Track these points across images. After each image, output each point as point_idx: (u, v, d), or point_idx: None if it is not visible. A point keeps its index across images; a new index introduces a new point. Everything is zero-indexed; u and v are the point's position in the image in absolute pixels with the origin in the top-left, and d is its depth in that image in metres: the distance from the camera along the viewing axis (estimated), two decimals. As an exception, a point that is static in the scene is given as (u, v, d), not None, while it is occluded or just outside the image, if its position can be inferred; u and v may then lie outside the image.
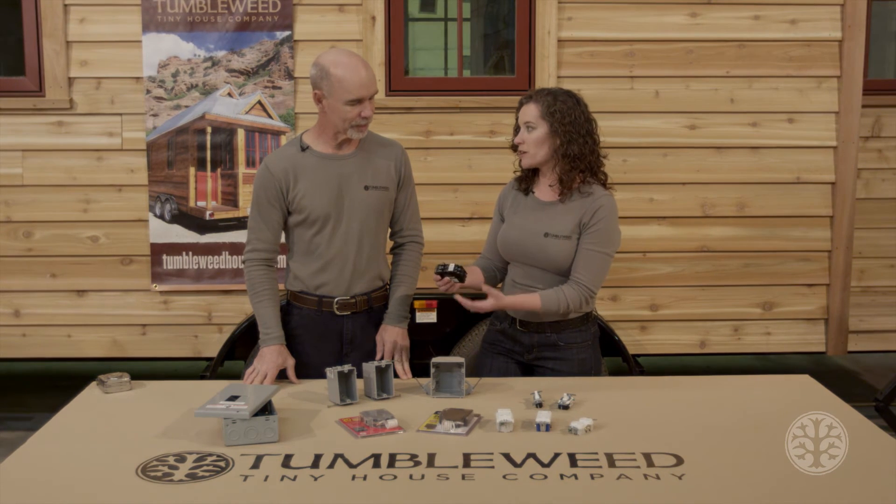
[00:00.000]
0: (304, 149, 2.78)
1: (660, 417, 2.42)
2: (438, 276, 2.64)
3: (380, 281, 2.90)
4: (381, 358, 2.84)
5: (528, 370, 2.87)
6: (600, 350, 2.97)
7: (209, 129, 4.04)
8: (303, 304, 2.84)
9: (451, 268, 2.62)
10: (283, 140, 4.04)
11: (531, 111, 2.73)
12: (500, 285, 2.93)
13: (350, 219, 2.78)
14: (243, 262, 2.87)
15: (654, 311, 4.18)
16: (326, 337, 2.83)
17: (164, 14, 3.98)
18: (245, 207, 4.04)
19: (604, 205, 2.73)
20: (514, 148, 2.84)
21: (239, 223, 4.06)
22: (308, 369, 2.77)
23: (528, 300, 2.71)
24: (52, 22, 3.96)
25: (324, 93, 2.70)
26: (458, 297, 2.67)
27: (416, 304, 3.91)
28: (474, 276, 2.79)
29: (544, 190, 2.81)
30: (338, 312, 2.82)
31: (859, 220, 4.22)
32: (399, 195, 2.90)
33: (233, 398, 2.27)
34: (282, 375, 2.75)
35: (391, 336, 2.87)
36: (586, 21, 4.04)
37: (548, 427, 2.29)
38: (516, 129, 2.81)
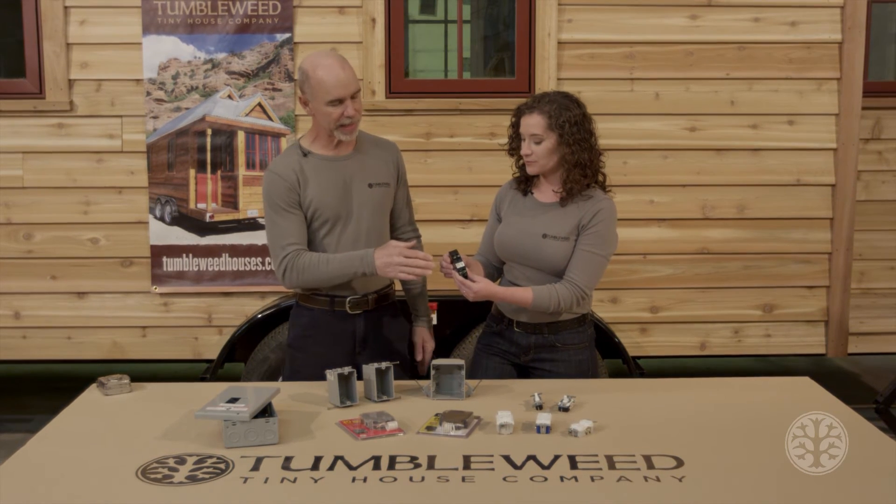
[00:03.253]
0: (305, 154, 2.78)
1: (660, 419, 2.42)
2: (448, 260, 2.64)
3: (387, 279, 2.90)
4: (419, 360, 3.03)
5: (523, 372, 2.87)
6: (599, 352, 2.96)
7: (209, 131, 4.05)
8: (314, 305, 2.83)
9: (458, 265, 2.63)
10: (284, 142, 4.04)
11: (536, 122, 2.70)
12: (496, 282, 2.93)
13: (359, 217, 2.80)
14: (282, 267, 2.70)
15: (654, 312, 4.18)
16: (339, 337, 2.83)
17: (164, 16, 3.98)
18: (245, 209, 4.05)
19: (604, 208, 2.73)
20: (511, 152, 2.84)
21: (239, 225, 4.06)
22: (321, 371, 2.76)
23: (519, 293, 2.71)
24: (52, 24, 3.96)
25: (307, 96, 2.71)
26: (454, 274, 2.66)
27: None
28: (476, 270, 2.79)
29: (544, 191, 2.82)
30: (350, 311, 2.82)
31: (859, 222, 4.22)
32: (398, 192, 2.93)
33: (233, 400, 2.27)
34: (287, 370, 2.82)
35: (426, 337, 3.04)
36: (586, 23, 4.04)
37: (548, 429, 2.28)
38: (515, 136, 2.80)
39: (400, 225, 2.98)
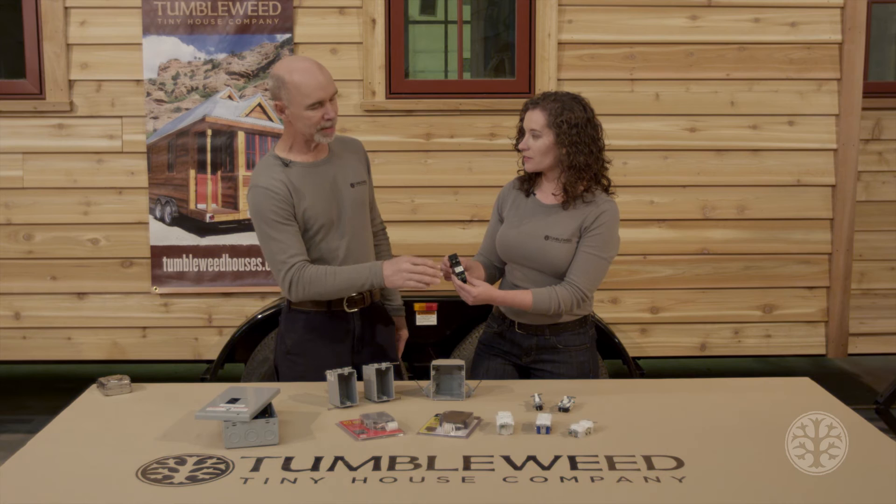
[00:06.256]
0: (286, 164, 2.73)
1: (660, 420, 2.42)
2: (447, 264, 2.64)
3: None
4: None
5: (524, 373, 2.87)
6: (598, 353, 2.96)
7: (209, 132, 4.05)
8: (310, 308, 2.81)
9: (458, 270, 2.63)
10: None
11: (537, 118, 2.70)
12: (497, 283, 2.93)
13: (350, 219, 2.80)
14: (287, 281, 2.66)
15: (654, 313, 4.18)
16: (338, 337, 2.83)
17: (164, 17, 3.98)
18: (245, 210, 4.04)
19: (606, 210, 2.73)
20: (518, 149, 2.84)
21: (239, 226, 4.06)
22: (323, 372, 2.76)
23: (519, 296, 2.71)
24: (52, 24, 3.97)
25: (284, 102, 2.67)
26: (453, 278, 2.66)
27: (417, 306, 3.91)
28: (476, 273, 2.79)
29: (547, 193, 2.81)
30: (348, 310, 2.81)
31: (859, 223, 4.22)
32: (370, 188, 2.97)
33: (233, 401, 2.27)
34: (289, 378, 2.79)
35: (401, 325, 3.07)
36: (586, 24, 4.04)
37: (548, 429, 2.28)
38: (521, 132, 2.80)
39: (372, 218, 3.00)
